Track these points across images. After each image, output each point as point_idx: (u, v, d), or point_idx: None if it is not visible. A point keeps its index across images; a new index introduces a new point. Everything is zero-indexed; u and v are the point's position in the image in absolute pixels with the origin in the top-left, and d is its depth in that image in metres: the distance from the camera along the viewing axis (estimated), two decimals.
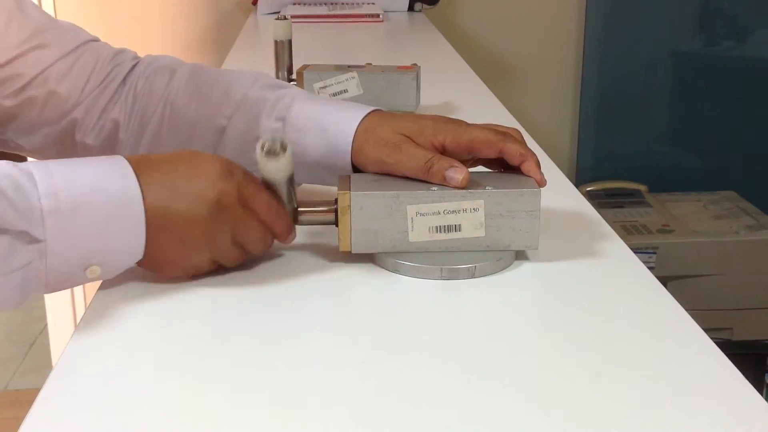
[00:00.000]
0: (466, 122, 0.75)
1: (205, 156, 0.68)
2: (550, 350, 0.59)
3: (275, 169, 0.68)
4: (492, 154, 0.73)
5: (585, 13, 2.35)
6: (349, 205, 0.69)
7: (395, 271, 0.70)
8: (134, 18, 2.34)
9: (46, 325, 2.54)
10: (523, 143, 0.74)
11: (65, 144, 0.85)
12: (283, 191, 0.70)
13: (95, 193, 0.61)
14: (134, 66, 0.87)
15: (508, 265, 0.71)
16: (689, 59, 2.41)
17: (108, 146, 0.84)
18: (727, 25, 2.38)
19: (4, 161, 0.60)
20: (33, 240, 0.59)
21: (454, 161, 0.70)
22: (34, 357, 2.55)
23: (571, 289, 0.68)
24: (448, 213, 0.69)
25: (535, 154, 0.73)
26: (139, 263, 0.65)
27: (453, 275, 0.69)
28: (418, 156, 0.71)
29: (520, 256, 0.72)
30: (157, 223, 0.63)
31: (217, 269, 0.69)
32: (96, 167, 0.63)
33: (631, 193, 2.29)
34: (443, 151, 0.73)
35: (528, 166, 0.72)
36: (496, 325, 0.63)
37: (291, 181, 0.70)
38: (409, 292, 0.68)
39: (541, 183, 0.72)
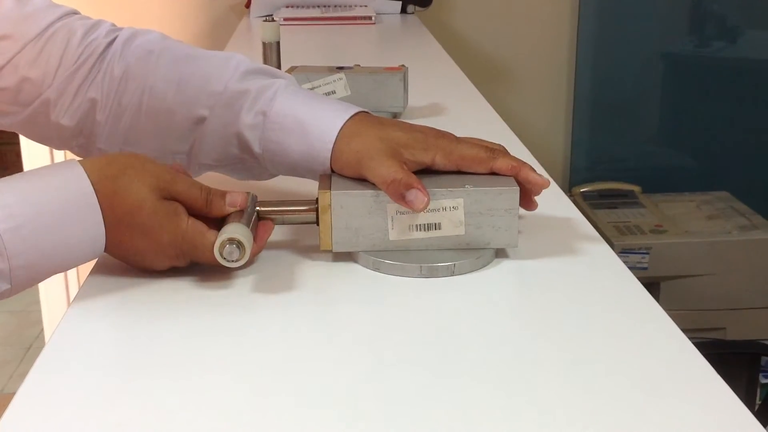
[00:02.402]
0: (455, 136, 0.74)
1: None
2: (528, 347, 0.60)
3: (235, 266, 0.68)
4: (482, 170, 0.72)
5: (578, 15, 2.35)
6: (330, 204, 0.70)
7: (376, 269, 0.70)
8: (129, 21, 2.34)
9: (42, 329, 2.54)
10: (512, 157, 0.74)
11: (39, 123, 0.83)
12: None
13: (62, 245, 0.64)
14: (111, 42, 0.83)
15: (488, 263, 0.71)
16: (680, 60, 2.42)
17: (85, 126, 0.82)
18: (717, 26, 2.39)
19: None
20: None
21: (418, 183, 0.69)
22: (31, 361, 2.54)
23: (549, 286, 0.69)
24: (428, 211, 0.70)
25: (526, 163, 0.73)
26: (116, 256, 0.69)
27: (433, 273, 0.69)
28: (389, 168, 0.70)
29: (501, 254, 0.73)
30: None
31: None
32: (65, 205, 0.65)
33: (625, 194, 2.29)
34: (433, 166, 0.72)
35: (525, 174, 0.72)
36: (475, 322, 0.63)
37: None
38: (389, 290, 0.68)
39: (545, 184, 0.72)
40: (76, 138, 0.83)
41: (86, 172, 0.65)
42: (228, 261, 0.66)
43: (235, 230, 0.66)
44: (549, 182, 0.73)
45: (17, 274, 0.63)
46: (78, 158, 0.69)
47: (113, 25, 0.86)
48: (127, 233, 0.67)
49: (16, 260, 0.62)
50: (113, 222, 0.66)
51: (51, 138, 0.84)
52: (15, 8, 0.81)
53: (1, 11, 0.80)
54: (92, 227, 0.65)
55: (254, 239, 0.69)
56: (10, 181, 0.64)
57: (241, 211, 0.69)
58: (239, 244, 0.66)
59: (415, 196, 0.68)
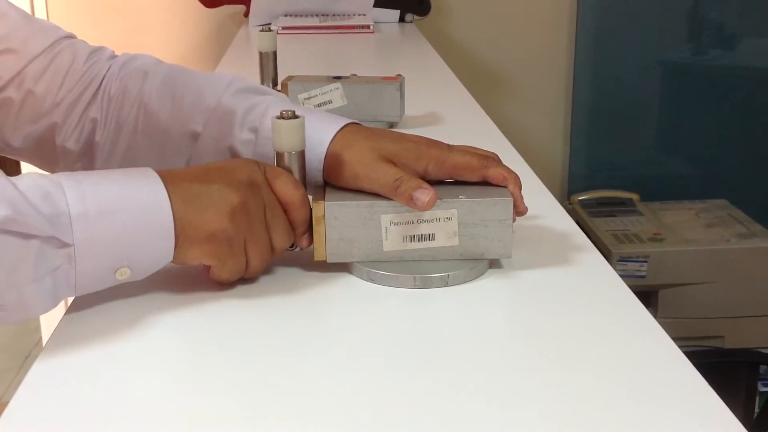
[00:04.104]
0: (447, 144, 0.75)
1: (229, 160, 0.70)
2: (521, 357, 0.60)
3: (288, 130, 0.69)
4: (474, 178, 0.73)
5: (576, 23, 2.36)
6: (324, 215, 0.70)
7: (369, 280, 0.70)
8: (127, 31, 2.36)
9: (40, 337, 2.54)
10: (504, 166, 0.74)
11: (46, 148, 0.84)
12: (294, 168, 0.71)
13: (123, 199, 0.62)
14: (111, 66, 0.85)
15: (482, 274, 0.71)
16: (679, 68, 2.42)
17: (87, 149, 0.84)
18: (715, 34, 2.39)
19: (32, 173, 0.61)
20: (62, 245, 0.59)
21: (423, 183, 0.69)
22: (29, 369, 2.55)
23: (543, 297, 0.69)
24: (421, 222, 0.70)
25: (518, 177, 0.73)
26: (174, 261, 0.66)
27: (426, 284, 0.69)
28: (388, 174, 0.70)
29: (495, 264, 0.73)
30: (185, 225, 0.64)
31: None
32: (123, 175, 0.64)
33: (623, 202, 2.29)
34: (425, 176, 0.72)
35: (510, 189, 0.72)
36: (469, 333, 0.63)
37: (302, 158, 0.71)
38: (382, 300, 0.68)
39: (520, 211, 0.72)
40: (80, 160, 0.84)
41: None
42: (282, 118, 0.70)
43: None
44: (525, 212, 0.74)
45: (83, 267, 0.60)
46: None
47: (113, 52, 0.88)
48: (203, 175, 0.66)
49: (84, 248, 0.60)
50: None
51: (56, 162, 0.86)
52: (22, 24, 0.83)
53: (9, 26, 0.82)
54: (163, 231, 0.63)
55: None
56: (90, 177, 0.63)
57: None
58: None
59: (422, 193, 0.69)
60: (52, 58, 0.83)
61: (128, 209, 0.62)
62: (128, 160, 0.82)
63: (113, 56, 0.87)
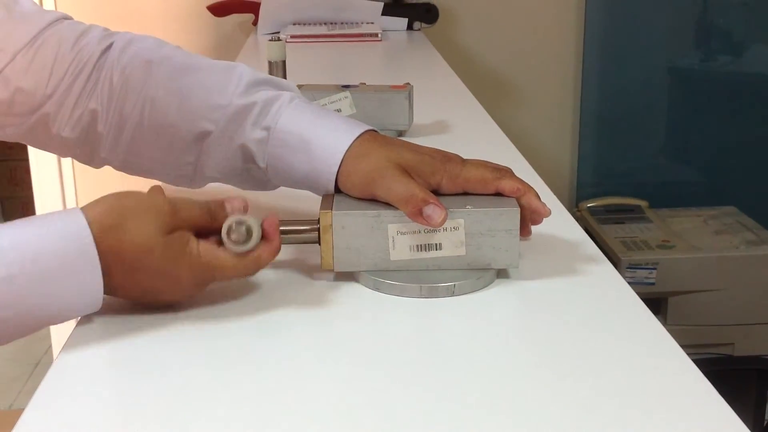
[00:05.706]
0: (461, 158, 0.75)
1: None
2: (528, 367, 0.60)
3: (243, 251, 0.67)
4: (488, 191, 0.73)
5: (584, 30, 2.36)
6: (331, 225, 0.70)
7: (376, 289, 0.70)
8: None
9: (50, 345, 2.55)
10: (518, 178, 0.74)
11: (39, 136, 0.82)
12: None
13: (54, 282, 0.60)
14: (107, 48, 0.82)
15: (489, 284, 0.71)
16: (687, 75, 2.42)
17: (86, 138, 0.82)
18: (724, 41, 2.39)
19: None
20: None
21: (435, 199, 0.69)
22: (39, 377, 2.55)
23: (551, 307, 0.69)
24: (428, 232, 0.70)
25: (532, 187, 0.73)
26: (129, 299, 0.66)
27: (433, 293, 0.69)
28: (402, 184, 0.70)
29: (502, 274, 0.73)
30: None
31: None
32: (62, 254, 0.61)
33: (632, 209, 2.29)
34: (438, 190, 0.72)
35: (528, 200, 0.72)
36: (475, 343, 0.63)
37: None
38: (389, 310, 0.68)
39: (546, 213, 0.73)
40: (79, 147, 0.83)
41: (87, 222, 0.62)
42: (236, 244, 0.66)
43: (240, 215, 0.67)
44: (550, 212, 0.73)
45: (2, 327, 0.60)
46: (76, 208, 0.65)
47: (106, 29, 0.85)
48: (144, 277, 0.64)
49: (4, 312, 0.59)
50: (125, 270, 0.63)
51: (50, 146, 0.84)
52: (3, 17, 0.80)
53: None
54: (90, 280, 0.62)
55: (264, 237, 0.68)
56: (8, 226, 0.61)
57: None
58: (247, 227, 0.66)
59: (433, 210, 0.69)
60: (37, 50, 0.80)
61: (58, 311, 0.61)
62: (134, 152, 0.81)
63: (106, 36, 0.83)
